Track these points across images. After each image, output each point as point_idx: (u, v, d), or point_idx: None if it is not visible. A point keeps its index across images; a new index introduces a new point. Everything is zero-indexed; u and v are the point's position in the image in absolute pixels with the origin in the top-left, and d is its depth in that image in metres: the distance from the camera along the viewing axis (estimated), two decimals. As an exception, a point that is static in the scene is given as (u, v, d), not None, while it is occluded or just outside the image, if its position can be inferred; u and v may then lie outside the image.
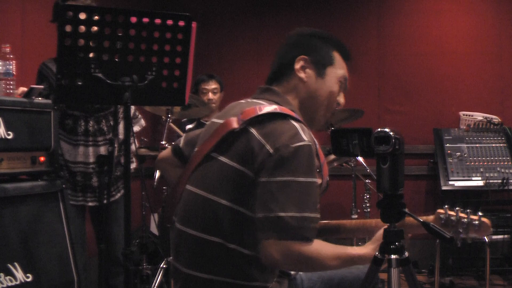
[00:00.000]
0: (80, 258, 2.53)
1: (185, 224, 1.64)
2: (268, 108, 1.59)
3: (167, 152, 1.96)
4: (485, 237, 3.78)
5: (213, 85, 4.24)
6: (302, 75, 1.71)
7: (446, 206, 1.58)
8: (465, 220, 1.53)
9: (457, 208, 1.57)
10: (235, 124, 1.59)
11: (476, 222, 1.52)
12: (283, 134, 1.52)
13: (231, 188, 1.55)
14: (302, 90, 1.71)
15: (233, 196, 1.54)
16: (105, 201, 2.36)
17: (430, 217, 1.63)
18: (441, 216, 1.58)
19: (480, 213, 1.53)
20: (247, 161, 1.53)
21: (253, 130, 1.56)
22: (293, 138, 1.51)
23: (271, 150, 1.50)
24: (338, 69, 1.74)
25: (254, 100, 1.70)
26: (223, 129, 1.62)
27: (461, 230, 1.54)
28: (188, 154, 1.83)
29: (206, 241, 1.56)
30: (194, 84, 4.24)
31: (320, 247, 1.51)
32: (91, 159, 2.75)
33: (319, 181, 1.60)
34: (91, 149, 2.79)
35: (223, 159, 1.58)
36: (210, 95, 4.19)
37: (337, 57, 1.75)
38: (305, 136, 1.53)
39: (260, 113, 1.58)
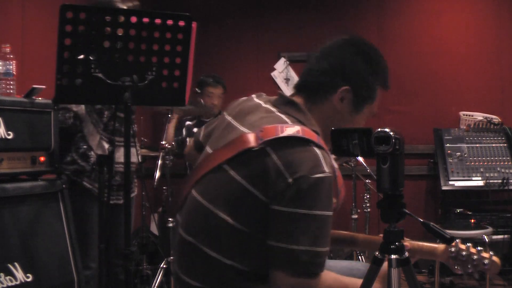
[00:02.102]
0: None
1: (186, 230, 1.61)
2: (290, 129, 1.50)
3: (190, 146, 1.93)
4: (485, 237, 3.79)
5: (220, 90, 4.25)
6: (338, 106, 1.63)
7: (457, 240, 1.58)
8: (476, 257, 1.53)
9: (468, 244, 1.57)
10: (253, 142, 1.50)
11: (487, 261, 1.52)
12: (303, 164, 1.44)
13: (237, 206, 1.50)
14: (330, 115, 1.64)
15: (238, 214, 1.50)
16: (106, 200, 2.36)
17: (441, 246, 1.64)
18: (452, 249, 1.58)
19: (491, 252, 1.53)
20: (261, 184, 1.47)
21: (272, 153, 1.47)
22: (313, 169, 1.44)
23: (289, 180, 1.43)
24: (374, 106, 1.68)
25: (276, 112, 1.61)
26: (240, 144, 1.53)
27: (469, 266, 1.54)
28: None
29: (203, 253, 1.54)
30: (199, 84, 4.24)
31: (330, 281, 1.52)
32: (133, 159, 2.72)
33: (334, 203, 1.57)
34: (133, 150, 2.76)
35: (234, 175, 1.51)
36: (216, 100, 4.20)
37: (378, 92, 1.67)
38: (326, 166, 1.46)
39: (281, 135, 1.49)
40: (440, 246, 1.64)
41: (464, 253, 1.56)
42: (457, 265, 1.58)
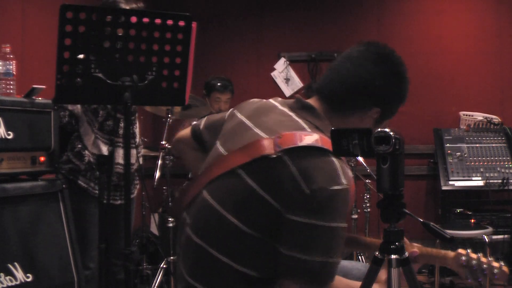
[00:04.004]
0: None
1: (195, 232, 1.57)
2: (309, 138, 1.47)
3: (186, 132, 1.86)
4: (485, 237, 3.79)
5: (227, 95, 4.24)
6: (362, 122, 1.60)
7: (469, 250, 1.60)
8: (486, 266, 1.56)
9: (479, 254, 1.60)
10: (270, 149, 1.47)
11: (496, 270, 1.55)
12: (321, 175, 1.42)
13: (250, 212, 1.48)
14: (349, 125, 1.59)
15: (250, 220, 1.48)
16: (105, 201, 2.36)
17: (451, 254, 1.65)
18: (463, 257, 1.60)
19: (501, 263, 1.55)
20: (276, 192, 1.45)
21: (289, 163, 1.44)
22: (331, 181, 1.42)
23: (307, 191, 1.42)
24: (388, 122, 1.67)
25: (294, 117, 1.57)
26: (256, 150, 1.49)
27: (479, 275, 1.56)
28: (208, 140, 1.74)
29: (212, 257, 1.51)
30: (207, 87, 4.23)
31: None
32: (131, 160, 2.72)
33: None
34: (132, 151, 2.76)
35: (249, 180, 1.48)
36: (222, 106, 4.19)
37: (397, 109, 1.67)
38: (344, 178, 1.44)
39: (300, 144, 1.45)
40: (450, 253, 1.65)
41: (474, 262, 1.58)
42: (467, 273, 1.60)
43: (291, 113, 1.59)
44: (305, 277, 1.44)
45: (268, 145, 1.48)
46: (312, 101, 1.62)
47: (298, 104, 1.61)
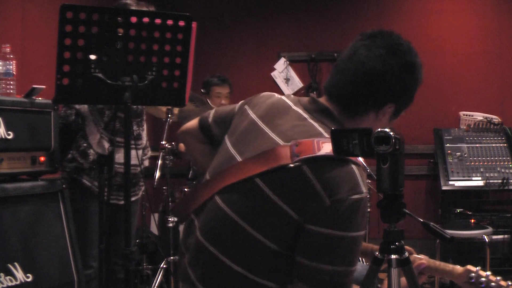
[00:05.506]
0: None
1: (207, 238, 1.52)
2: (327, 146, 1.41)
3: (193, 124, 1.79)
4: (485, 237, 3.79)
5: (227, 89, 4.24)
6: (377, 119, 1.55)
7: (479, 268, 1.63)
8: (494, 284, 1.58)
9: (488, 273, 1.62)
10: (288, 158, 1.43)
11: None
12: (341, 185, 1.40)
13: (268, 224, 1.44)
14: (364, 124, 1.55)
15: (267, 231, 1.44)
16: (110, 201, 2.36)
17: (459, 269, 1.65)
18: (472, 274, 1.62)
19: (509, 282, 1.58)
20: (295, 203, 1.41)
21: (308, 173, 1.41)
22: (351, 190, 1.40)
23: (327, 201, 1.39)
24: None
25: (309, 120, 1.53)
26: (274, 159, 1.45)
27: None
28: (217, 134, 1.69)
29: (226, 266, 1.47)
30: (205, 85, 4.24)
31: None
32: (134, 161, 2.72)
33: None
34: (133, 152, 2.77)
35: (267, 190, 1.44)
36: (223, 100, 4.19)
37: None
38: (363, 186, 1.42)
39: (318, 154, 1.41)
40: (458, 269, 1.65)
41: (483, 279, 1.59)
42: None
43: (305, 115, 1.55)
44: (322, 286, 1.43)
45: (285, 154, 1.44)
46: (325, 102, 1.57)
47: (314, 105, 1.56)
